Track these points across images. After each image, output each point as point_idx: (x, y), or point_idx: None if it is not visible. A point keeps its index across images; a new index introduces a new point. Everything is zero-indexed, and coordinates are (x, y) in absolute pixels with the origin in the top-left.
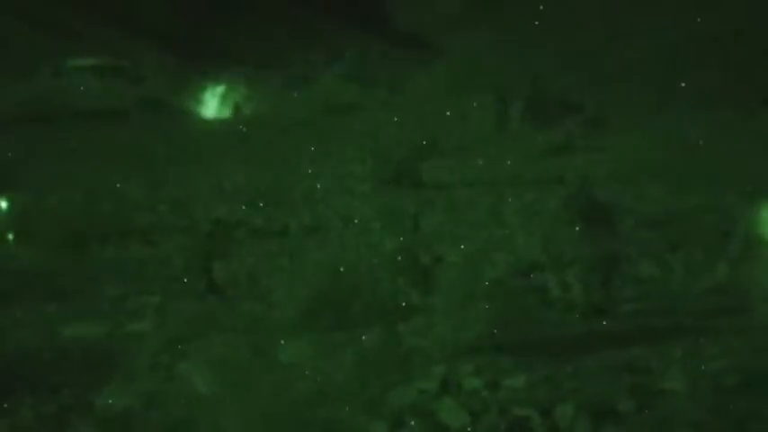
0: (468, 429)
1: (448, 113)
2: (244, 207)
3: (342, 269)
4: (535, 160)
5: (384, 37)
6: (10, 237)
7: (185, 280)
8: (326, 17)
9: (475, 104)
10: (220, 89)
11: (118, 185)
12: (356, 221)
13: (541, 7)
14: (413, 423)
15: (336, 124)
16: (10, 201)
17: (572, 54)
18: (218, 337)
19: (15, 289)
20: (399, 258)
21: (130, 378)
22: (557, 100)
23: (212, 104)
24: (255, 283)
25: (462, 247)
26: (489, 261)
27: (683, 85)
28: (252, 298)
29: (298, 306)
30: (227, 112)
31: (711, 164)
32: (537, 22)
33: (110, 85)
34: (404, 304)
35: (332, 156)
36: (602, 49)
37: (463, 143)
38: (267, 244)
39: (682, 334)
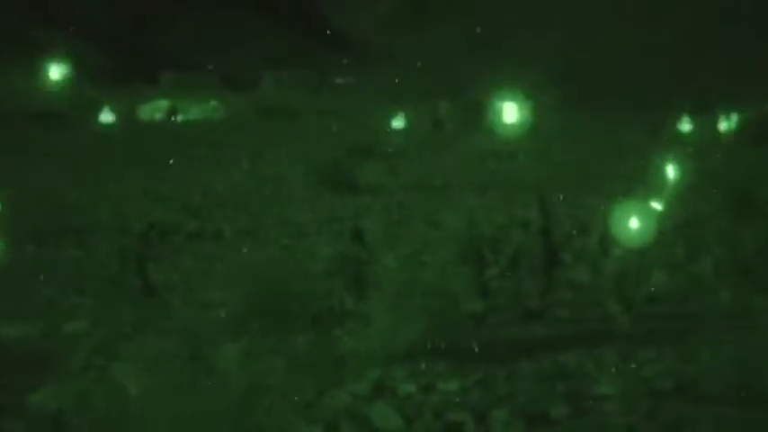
0: None
1: (384, 117)
2: (179, 210)
3: (277, 273)
4: (471, 164)
5: (320, 40)
6: None
7: (120, 282)
8: (263, 20)
9: (411, 108)
10: (157, 92)
11: (54, 187)
12: (292, 226)
13: (478, 14)
14: (346, 427)
15: (273, 128)
16: None
17: (506, 60)
18: (152, 339)
19: None
20: (335, 263)
21: (64, 378)
22: (492, 105)
23: (149, 107)
24: (190, 286)
25: (398, 251)
26: (425, 265)
27: (615, 91)
28: (186, 301)
29: (232, 309)
30: (163, 115)
31: (646, 168)
32: (473, 28)
33: (46, 86)
34: (338, 308)
35: (268, 160)
36: (535, 55)
37: (399, 147)
38: (202, 247)
39: (616, 339)
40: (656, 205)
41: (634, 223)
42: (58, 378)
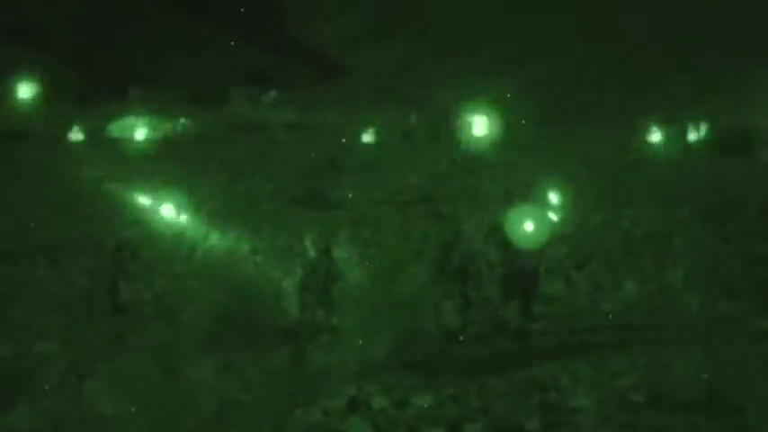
0: None
1: (353, 131)
2: (150, 227)
3: (249, 289)
4: (441, 177)
5: (287, 54)
6: None
7: (92, 300)
8: (231, 36)
9: (380, 122)
10: (126, 109)
11: (24, 205)
12: (263, 241)
13: (443, 28)
14: None
15: (242, 144)
16: None
17: (473, 74)
18: (124, 357)
19: None
20: (307, 278)
21: (37, 399)
22: (460, 118)
23: (118, 124)
24: (162, 303)
25: (369, 265)
26: (396, 280)
27: (583, 102)
28: (158, 318)
29: (205, 326)
30: (131, 132)
31: (616, 181)
32: (440, 41)
33: (14, 104)
34: (311, 324)
35: (238, 175)
36: (502, 67)
37: (369, 161)
38: (174, 264)
39: (589, 351)
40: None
41: (529, 227)
42: (32, 398)
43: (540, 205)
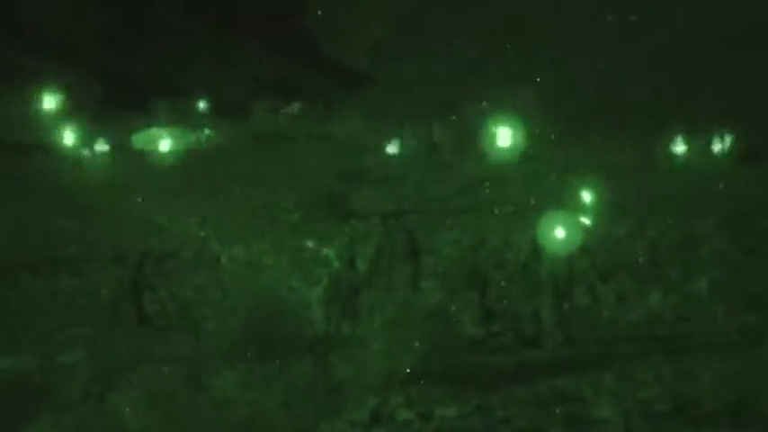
0: None
1: (377, 142)
2: (174, 239)
3: (272, 300)
4: (465, 189)
5: (311, 65)
6: None
7: (116, 311)
8: (254, 47)
9: (404, 133)
10: (150, 121)
11: (48, 217)
12: (287, 252)
13: (467, 38)
14: None
15: (265, 154)
16: None
17: (498, 84)
18: (148, 368)
19: None
20: (331, 289)
21: (61, 410)
22: (486, 128)
23: (142, 136)
24: (186, 314)
25: (393, 276)
26: (420, 291)
27: (607, 114)
28: (182, 329)
29: (229, 337)
30: (155, 144)
31: (641, 191)
32: (464, 51)
33: (37, 116)
34: (335, 335)
35: (262, 186)
36: (526, 77)
37: (393, 172)
38: (198, 275)
39: (613, 362)
40: (584, 220)
41: (561, 234)
42: (56, 409)
43: (570, 212)
